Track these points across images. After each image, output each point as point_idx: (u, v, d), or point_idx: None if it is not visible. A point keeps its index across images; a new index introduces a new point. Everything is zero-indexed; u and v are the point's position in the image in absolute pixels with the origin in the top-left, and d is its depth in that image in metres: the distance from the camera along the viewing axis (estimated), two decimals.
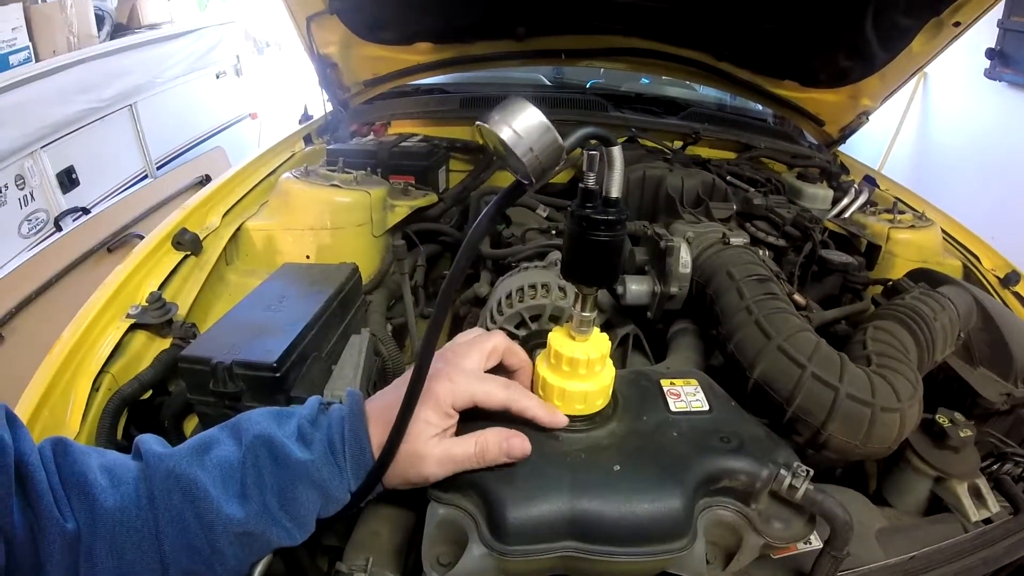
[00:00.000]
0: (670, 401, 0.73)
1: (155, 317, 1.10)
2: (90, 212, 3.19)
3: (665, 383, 0.76)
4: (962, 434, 0.93)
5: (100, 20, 4.27)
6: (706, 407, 0.73)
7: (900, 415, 0.81)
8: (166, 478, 0.58)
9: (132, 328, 1.09)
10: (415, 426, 0.63)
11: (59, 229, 3.06)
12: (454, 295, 1.41)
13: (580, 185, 0.59)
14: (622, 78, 2.62)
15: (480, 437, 0.64)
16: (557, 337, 0.68)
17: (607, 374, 0.68)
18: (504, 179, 1.87)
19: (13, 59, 3.47)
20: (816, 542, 0.70)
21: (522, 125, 0.50)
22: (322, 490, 0.62)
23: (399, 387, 0.66)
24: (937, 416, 0.95)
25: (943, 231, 1.71)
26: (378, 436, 0.64)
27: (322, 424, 0.65)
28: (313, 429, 0.64)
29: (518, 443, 0.63)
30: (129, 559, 0.56)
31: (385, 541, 0.75)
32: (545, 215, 1.53)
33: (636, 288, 1.09)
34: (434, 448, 0.63)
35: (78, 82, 3.35)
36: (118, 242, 2.91)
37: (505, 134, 0.50)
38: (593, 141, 0.54)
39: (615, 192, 0.57)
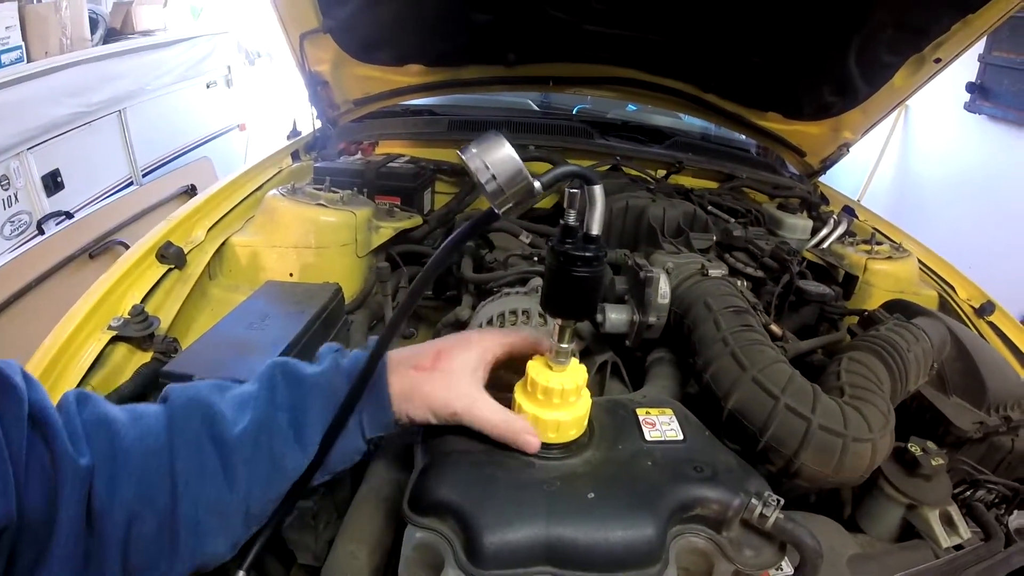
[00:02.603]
0: (645, 430, 0.74)
1: (137, 330, 1.09)
2: (73, 217, 3.15)
3: (641, 412, 0.77)
4: (934, 462, 0.94)
5: (94, 23, 4.24)
6: (680, 436, 0.74)
7: (871, 445, 0.83)
8: (186, 404, 0.62)
9: (113, 340, 1.08)
10: (459, 361, 0.70)
11: (42, 232, 3.02)
12: (434, 317, 1.43)
13: (561, 221, 0.60)
14: (608, 105, 2.66)
15: (509, 415, 0.69)
16: (535, 365, 0.69)
17: (582, 405, 0.70)
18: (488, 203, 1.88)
19: (5, 58, 3.43)
20: (787, 569, 0.71)
21: (493, 160, 0.52)
22: (330, 401, 0.66)
23: (433, 342, 0.74)
24: (909, 445, 0.96)
25: (920, 262, 1.75)
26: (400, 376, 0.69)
27: (340, 353, 0.71)
28: (328, 352, 0.71)
29: (533, 441, 0.68)
30: (146, 483, 0.58)
31: (362, 563, 0.75)
32: (528, 241, 1.54)
33: (615, 317, 1.10)
34: (470, 389, 0.68)
35: (69, 85, 3.32)
36: (100, 248, 2.88)
37: (476, 166, 0.52)
38: (573, 180, 0.56)
39: (595, 229, 0.59)
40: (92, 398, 0.61)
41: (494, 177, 0.52)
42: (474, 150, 0.52)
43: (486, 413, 0.68)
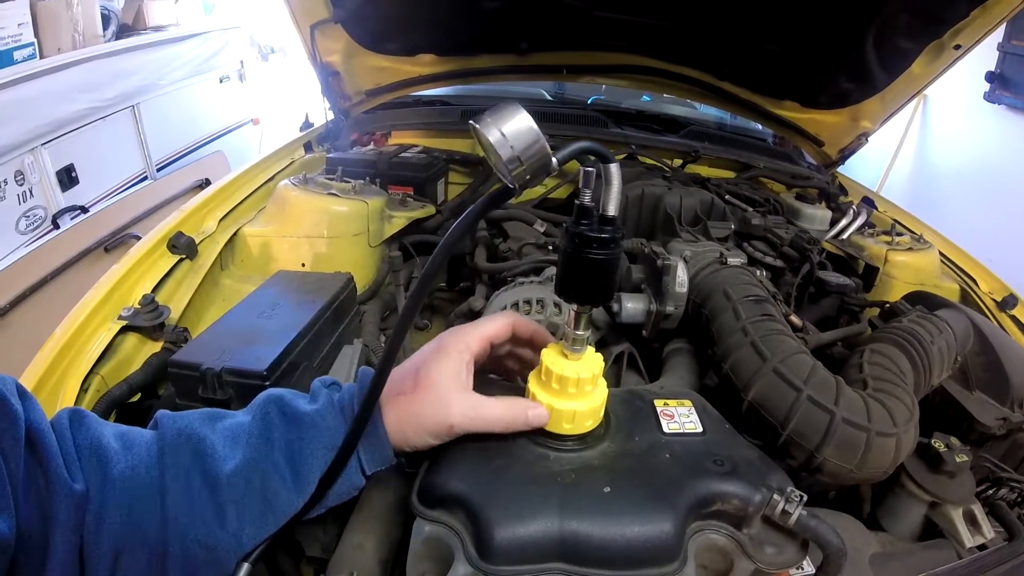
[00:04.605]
0: (663, 422, 0.72)
1: (147, 320, 1.09)
2: (88, 211, 3.18)
3: (659, 403, 0.75)
4: (958, 459, 0.91)
5: (106, 20, 4.25)
6: (699, 429, 0.72)
7: (896, 440, 0.80)
8: (176, 436, 0.61)
9: (123, 330, 1.09)
10: (438, 372, 0.65)
11: (57, 227, 3.04)
12: (447, 308, 1.41)
13: (576, 202, 0.58)
14: (623, 95, 2.62)
15: (507, 402, 0.66)
16: (549, 354, 0.67)
17: (598, 395, 0.67)
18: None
19: (18, 55, 3.45)
20: (809, 568, 0.69)
21: (511, 129, 0.50)
22: (328, 440, 0.63)
23: (411, 360, 0.70)
24: (933, 441, 0.94)
25: (941, 254, 1.71)
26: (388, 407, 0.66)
27: (333, 388, 0.69)
28: (322, 388, 0.68)
29: (543, 413, 0.66)
30: (136, 516, 0.57)
31: (369, 555, 0.74)
32: (543, 230, 1.52)
33: (632, 306, 1.08)
34: (459, 397, 0.65)
35: (81, 81, 3.33)
36: (115, 242, 2.91)
37: (493, 136, 0.50)
38: (590, 157, 0.53)
39: (612, 210, 0.57)
40: (86, 419, 0.60)
41: (512, 147, 0.49)
42: (489, 119, 0.49)
43: (486, 412, 0.65)
